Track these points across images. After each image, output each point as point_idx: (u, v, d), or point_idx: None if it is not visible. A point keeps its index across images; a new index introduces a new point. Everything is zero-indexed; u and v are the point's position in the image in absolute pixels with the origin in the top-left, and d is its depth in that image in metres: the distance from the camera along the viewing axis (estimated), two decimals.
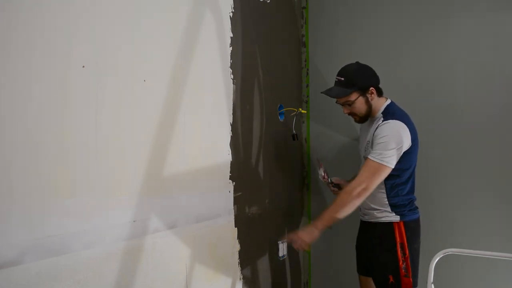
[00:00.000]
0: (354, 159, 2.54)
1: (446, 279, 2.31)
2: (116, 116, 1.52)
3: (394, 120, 2.01)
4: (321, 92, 2.18)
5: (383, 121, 2.03)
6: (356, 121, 2.18)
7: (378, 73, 2.14)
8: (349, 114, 2.16)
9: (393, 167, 1.97)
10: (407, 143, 2.00)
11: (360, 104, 2.09)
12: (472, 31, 2.41)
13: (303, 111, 2.69)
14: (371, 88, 2.08)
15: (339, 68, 2.16)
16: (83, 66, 1.40)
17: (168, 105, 1.74)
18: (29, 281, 1.23)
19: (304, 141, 2.90)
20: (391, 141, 1.95)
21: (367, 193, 1.97)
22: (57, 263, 1.31)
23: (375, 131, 2.03)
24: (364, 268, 2.23)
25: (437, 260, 1.92)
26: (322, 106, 2.85)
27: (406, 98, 2.39)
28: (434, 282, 1.92)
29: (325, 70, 2.84)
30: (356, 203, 1.97)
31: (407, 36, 2.57)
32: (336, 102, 2.19)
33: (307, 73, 2.91)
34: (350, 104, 2.10)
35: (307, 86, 2.91)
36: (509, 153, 2.30)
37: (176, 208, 1.79)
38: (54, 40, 1.32)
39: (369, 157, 1.98)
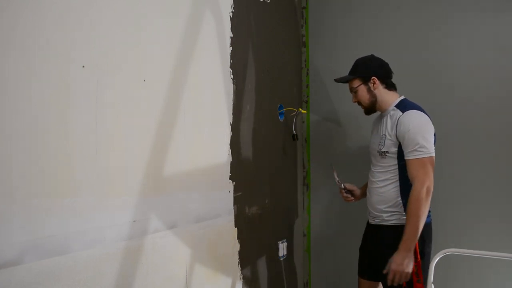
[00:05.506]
0: (355, 159, 2.54)
1: (446, 279, 2.32)
2: (116, 116, 1.52)
3: (413, 110, 2.00)
4: (334, 80, 2.26)
5: (402, 113, 2.01)
6: (364, 112, 2.20)
7: None
8: (357, 103, 2.18)
9: (434, 152, 1.95)
10: (433, 129, 1.99)
11: (362, 92, 2.13)
12: (472, 31, 2.41)
13: (303, 111, 2.69)
14: (372, 77, 2.10)
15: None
16: (83, 66, 1.40)
17: (168, 105, 1.74)
18: (29, 281, 1.23)
19: (304, 141, 2.91)
20: (422, 130, 1.94)
21: (432, 189, 1.92)
22: (57, 263, 1.31)
23: (396, 125, 1.99)
24: (371, 272, 2.14)
25: (437, 260, 1.92)
26: (322, 106, 2.86)
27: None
28: (434, 282, 1.92)
29: (325, 70, 2.84)
30: (428, 203, 1.92)
31: (408, 35, 2.57)
32: (350, 92, 2.22)
33: (307, 73, 2.91)
34: (354, 91, 2.15)
35: (307, 86, 2.91)
36: (509, 152, 2.30)
37: (176, 208, 1.79)
38: (54, 40, 1.32)
39: (413, 157, 1.93)
